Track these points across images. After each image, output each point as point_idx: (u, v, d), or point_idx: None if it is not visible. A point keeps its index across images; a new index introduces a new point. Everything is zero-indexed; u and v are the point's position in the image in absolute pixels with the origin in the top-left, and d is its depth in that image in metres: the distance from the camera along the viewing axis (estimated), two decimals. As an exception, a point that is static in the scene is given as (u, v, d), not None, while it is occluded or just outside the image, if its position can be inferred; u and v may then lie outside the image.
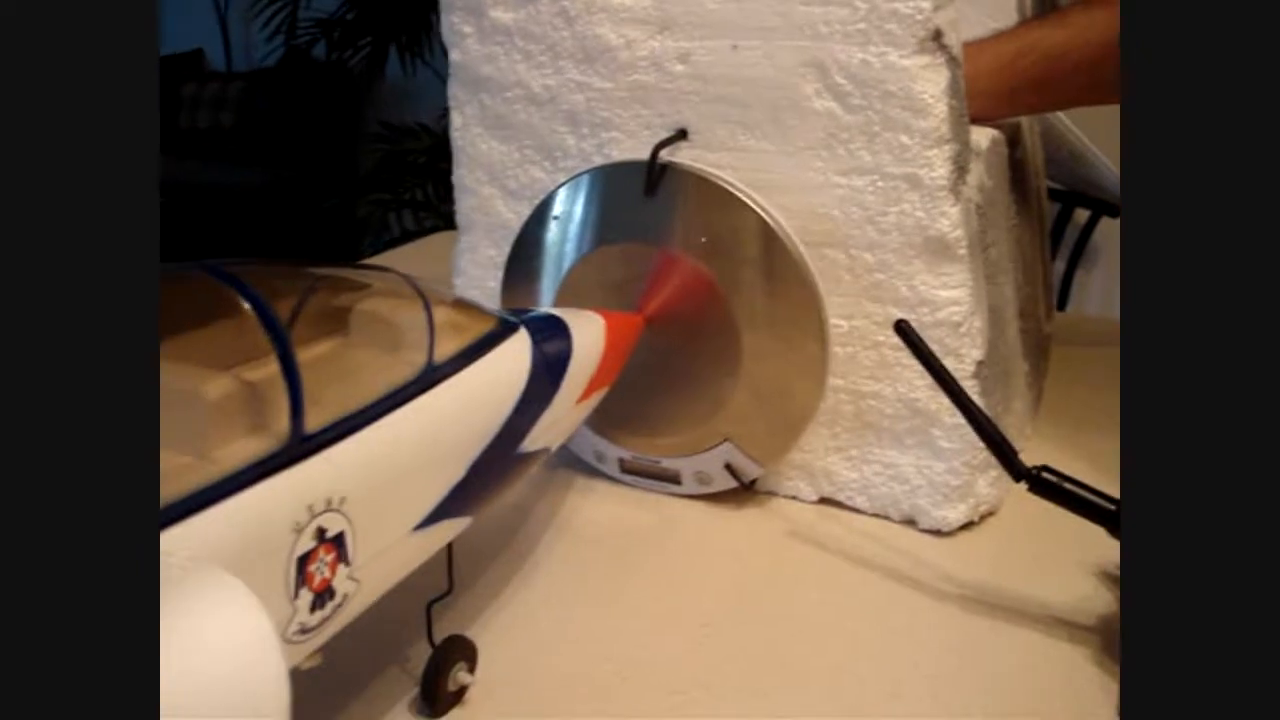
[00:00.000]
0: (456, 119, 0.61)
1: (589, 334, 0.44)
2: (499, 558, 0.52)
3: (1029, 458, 0.48)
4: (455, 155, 0.62)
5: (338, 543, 0.28)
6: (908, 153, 0.49)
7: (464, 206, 0.63)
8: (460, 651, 0.40)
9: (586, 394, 0.43)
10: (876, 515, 0.56)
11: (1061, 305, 1.96)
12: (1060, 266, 1.95)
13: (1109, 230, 2.07)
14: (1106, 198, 1.93)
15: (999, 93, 0.62)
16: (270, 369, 0.27)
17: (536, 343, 0.39)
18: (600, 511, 0.57)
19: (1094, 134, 1.96)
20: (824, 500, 0.58)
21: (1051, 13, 0.67)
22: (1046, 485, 0.45)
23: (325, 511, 0.28)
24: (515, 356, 0.37)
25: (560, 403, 0.40)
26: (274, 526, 0.26)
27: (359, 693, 0.41)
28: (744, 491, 0.57)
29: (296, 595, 0.27)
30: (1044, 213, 0.79)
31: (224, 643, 0.21)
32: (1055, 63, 0.62)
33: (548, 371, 0.39)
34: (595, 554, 0.53)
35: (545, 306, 0.57)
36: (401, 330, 0.33)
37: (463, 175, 0.62)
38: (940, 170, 0.50)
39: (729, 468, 0.56)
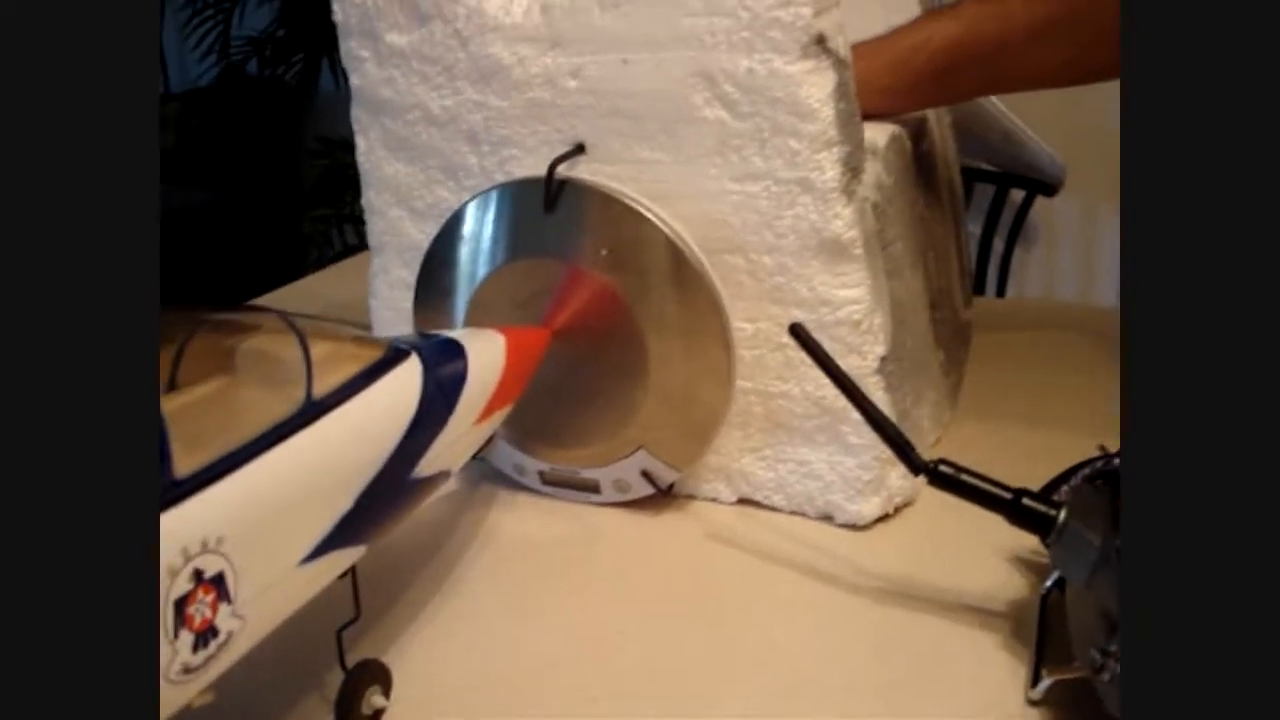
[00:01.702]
0: (361, 143, 0.62)
1: (487, 354, 0.45)
2: (418, 577, 0.52)
3: (949, 444, 0.49)
4: (363, 179, 0.63)
5: (217, 582, 0.29)
6: (798, 157, 0.50)
7: (375, 229, 0.64)
8: (373, 675, 0.41)
9: (486, 413, 0.44)
10: (794, 513, 0.57)
11: (1002, 288, 1.99)
12: (999, 246, 1.98)
13: (1044, 209, 2.10)
14: (1040, 177, 1.96)
15: (899, 88, 0.63)
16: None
17: (429, 367, 0.40)
18: (522, 524, 0.58)
19: (1027, 115, 1.99)
20: (742, 501, 0.58)
21: (946, 7, 0.68)
22: (944, 478, 0.46)
23: (202, 553, 0.28)
24: (403, 384, 0.38)
25: (456, 425, 0.40)
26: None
27: (276, 716, 0.42)
28: (663, 497, 0.58)
29: (176, 636, 0.27)
30: (958, 202, 0.80)
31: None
32: (951, 56, 0.63)
33: (441, 395, 0.40)
34: (516, 567, 0.54)
35: (457, 325, 0.57)
36: (281, 367, 0.34)
37: (371, 198, 0.63)
38: (831, 173, 0.51)
39: (645, 474, 0.57)
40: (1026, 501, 0.45)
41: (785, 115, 0.50)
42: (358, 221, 2.59)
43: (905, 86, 0.63)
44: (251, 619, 0.30)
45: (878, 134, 0.59)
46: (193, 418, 0.31)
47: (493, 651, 0.47)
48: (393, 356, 0.38)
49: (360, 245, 2.48)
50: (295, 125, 3.15)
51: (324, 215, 2.56)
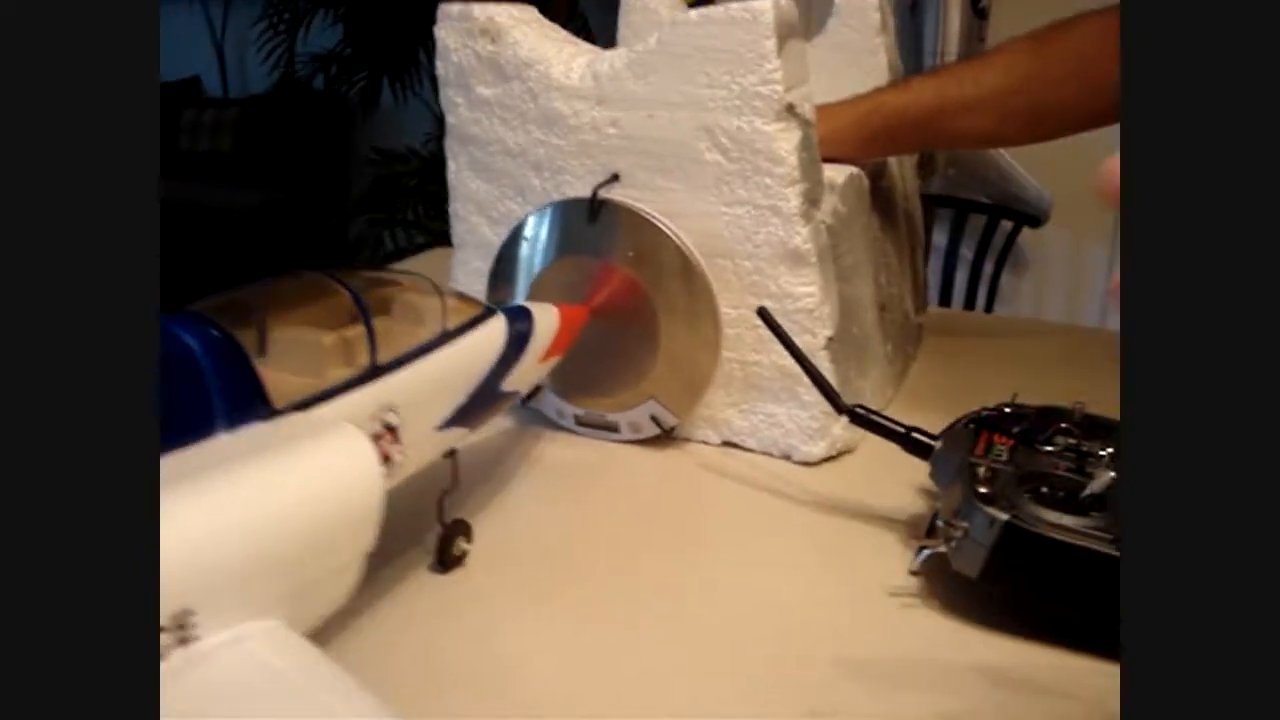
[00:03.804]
0: (452, 165, 0.82)
1: (546, 318, 0.65)
2: (491, 477, 0.72)
3: (891, 411, 0.68)
4: (451, 192, 0.83)
5: (394, 430, 0.49)
6: (770, 190, 0.71)
7: (458, 230, 0.84)
8: (460, 529, 0.61)
9: (545, 357, 0.64)
10: (763, 452, 0.77)
11: (990, 305, 2.18)
12: (989, 270, 2.17)
13: (1033, 239, 2.29)
14: (1028, 210, 2.16)
15: (856, 140, 0.84)
16: (358, 330, 0.48)
17: (510, 322, 0.60)
18: (562, 452, 0.78)
19: (1022, 154, 2.18)
20: (725, 443, 0.79)
21: (899, 80, 0.88)
22: (859, 417, 0.66)
23: (388, 411, 0.49)
24: (496, 329, 0.58)
25: (525, 361, 0.61)
26: (361, 415, 0.47)
27: (394, 559, 0.62)
28: (666, 437, 0.78)
29: (373, 456, 0.48)
30: (915, 228, 1.00)
31: (354, 456, 0.42)
32: (897, 119, 0.83)
33: (516, 340, 0.60)
34: (557, 478, 0.74)
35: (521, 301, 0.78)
36: (425, 311, 0.54)
37: (457, 208, 0.83)
38: (794, 202, 0.71)
39: (654, 419, 0.77)
40: (915, 434, 0.65)
41: (763, 161, 0.70)
42: (407, 226, 2.81)
43: (863, 139, 0.84)
44: (409, 458, 0.51)
45: (837, 174, 0.79)
46: (380, 335, 0.52)
47: (538, 524, 0.68)
48: (489, 311, 0.59)
49: (409, 248, 2.69)
50: (348, 135, 3.38)
51: (376, 219, 2.78)
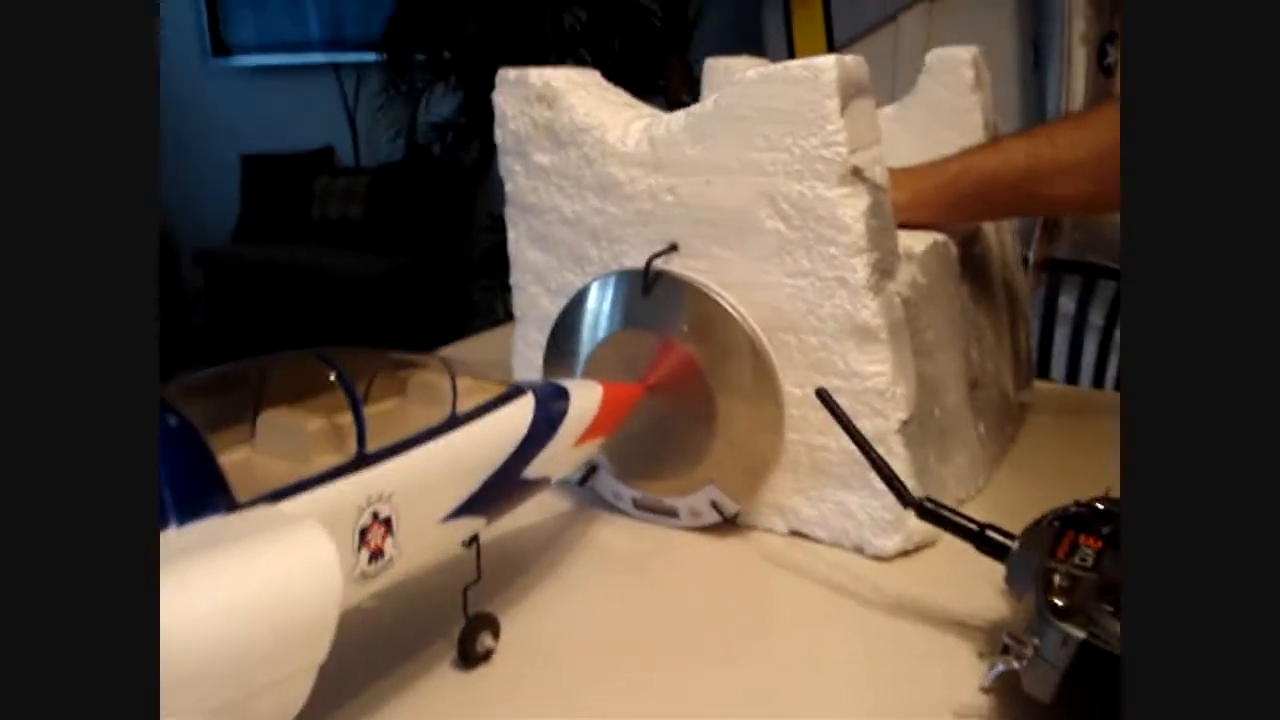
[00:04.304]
0: (511, 234, 0.79)
1: (586, 398, 0.61)
2: (534, 565, 0.68)
3: (981, 503, 0.61)
4: (511, 262, 0.80)
5: (387, 522, 0.45)
6: (836, 260, 0.65)
7: (519, 302, 0.81)
8: (486, 623, 0.57)
9: (582, 440, 0.60)
10: (833, 544, 0.71)
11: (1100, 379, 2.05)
12: (1119, 338, 2.05)
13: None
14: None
15: (943, 204, 0.78)
16: (348, 416, 0.44)
17: (539, 402, 0.56)
18: (617, 537, 0.73)
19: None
20: (793, 532, 0.73)
21: (989, 141, 0.82)
22: (928, 512, 0.60)
23: (379, 502, 0.45)
24: (520, 410, 0.54)
25: (556, 444, 0.56)
26: (345, 506, 0.43)
27: (414, 654, 0.58)
28: (728, 525, 0.73)
29: (359, 551, 0.44)
30: (1016, 298, 0.93)
31: (312, 557, 0.38)
32: (988, 182, 0.77)
33: (547, 422, 0.56)
34: (609, 567, 0.69)
35: (577, 378, 0.74)
36: (436, 394, 0.50)
37: (516, 278, 0.80)
38: (861, 273, 0.65)
39: (714, 504, 0.71)
40: (989, 533, 0.58)
41: (826, 229, 0.65)
42: (521, 292, 2.83)
43: (949, 204, 0.78)
44: (406, 551, 0.47)
45: (916, 242, 0.74)
46: (377, 421, 0.48)
47: (578, 620, 0.63)
48: (513, 391, 0.55)
49: (518, 315, 2.71)
50: (469, 202, 3.43)
51: (490, 285, 2.80)
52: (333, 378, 0.45)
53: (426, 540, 0.49)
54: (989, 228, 0.88)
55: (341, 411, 0.45)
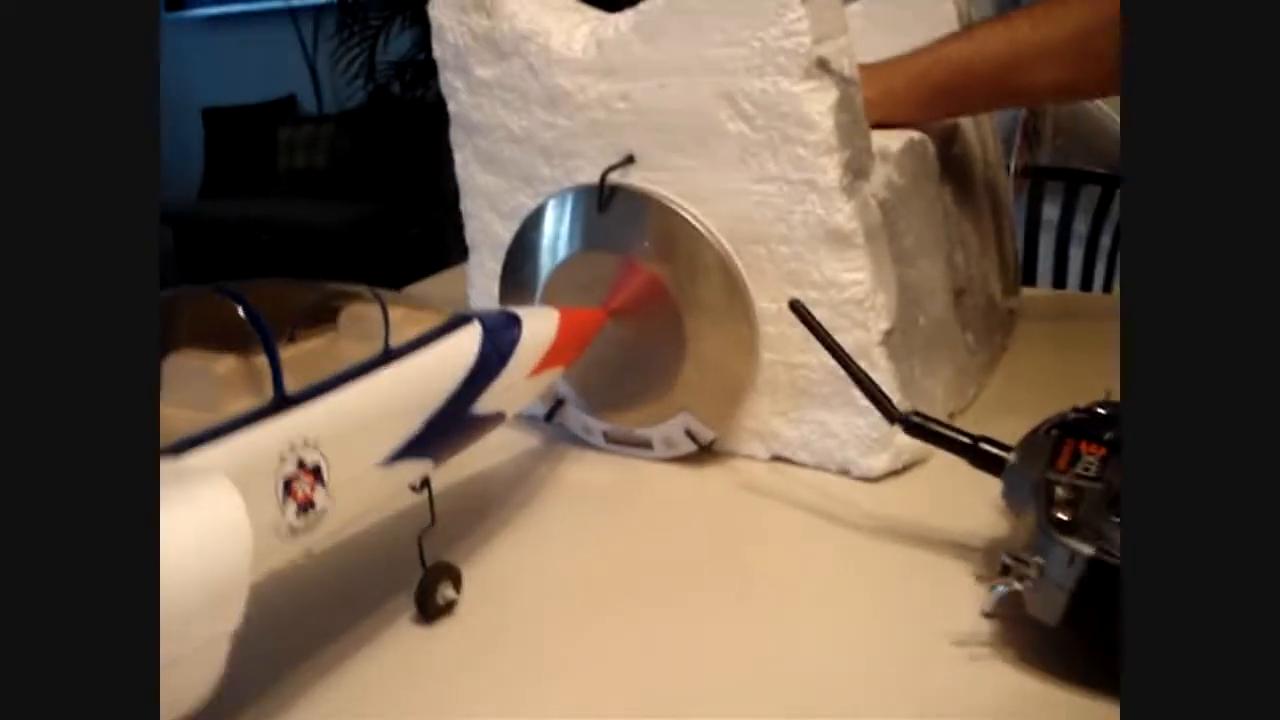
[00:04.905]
0: (458, 158, 0.74)
1: (541, 325, 0.56)
2: (499, 507, 0.63)
3: (973, 416, 0.56)
4: (460, 188, 0.75)
5: (315, 470, 0.41)
6: (804, 162, 0.60)
7: (471, 230, 0.76)
8: (446, 573, 0.52)
9: (538, 370, 0.55)
10: (817, 467, 0.67)
11: (1108, 284, 2.01)
12: (1105, 244, 2.01)
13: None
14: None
15: (916, 101, 0.72)
16: (264, 356, 0.40)
17: (488, 331, 0.51)
18: (587, 473, 0.69)
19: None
20: (774, 457, 0.68)
21: (963, 29, 0.76)
22: (916, 426, 0.55)
23: (305, 448, 0.40)
24: (464, 342, 0.49)
25: (509, 376, 0.52)
26: (264, 455, 0.38)
27: (371, 610, 0.54)
28: (705, 453, 0.68)
29: (284, 504, 0.39)
30: (1000, 200, 0.88)
31: (217, 516, 0.33)
32: (962, 73, 0.71)
33: (496, 353, 0.51)
34: (579, 505, 0.65)
35: (535, 306, 0.69)
36: (369, 327, 0.45)
37: (467, 204, 0.75)
38: (833, 174, 0.60)
39: (689, 433, 0.67)
40: (983, 446, 0.54)
41: (793, 127, 0.60)
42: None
43: (922, 100, 0.72)
44: (341, 500, 0.42)
45: (891, 140, 0.68)
46: (304, 360, 0.43)
47: (551, 567, 0.58)
48: (457, 321, 0.50)
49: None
50: (435, 140, 3.36)
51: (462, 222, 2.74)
52: (240, 313, 0.39)
53: (366, 487, 0.44)
54: (968, 125, 0.82)
55: (257, 351, 0.40)
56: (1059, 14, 0.70)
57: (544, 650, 0.51)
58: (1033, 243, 1.91)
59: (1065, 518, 0.46)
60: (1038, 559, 0.45)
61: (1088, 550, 0.44)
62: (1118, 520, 0.45)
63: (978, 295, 0.80)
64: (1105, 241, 2.01)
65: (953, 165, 0.78)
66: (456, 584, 0.53)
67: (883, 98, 0.69)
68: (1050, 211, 2.02)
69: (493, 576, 0.56)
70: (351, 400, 0.42)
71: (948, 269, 0.74)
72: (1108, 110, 1.97)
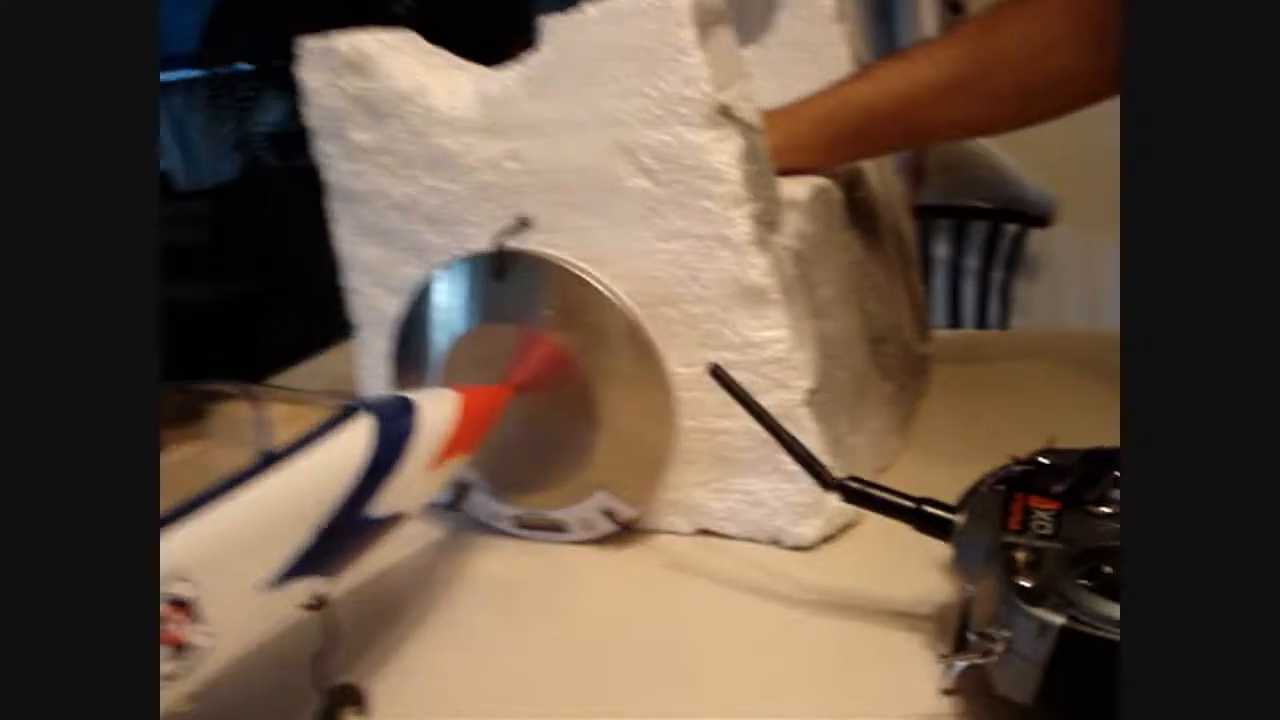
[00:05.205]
0: (338, 231, 0.69)
1: (438, 409, 0.51)
2: (404, 612, 0.57)
3: (900, 469, 0.52)
4: (341, 263, 0.69)
5: (187, 605, 0.35)
6: (712, 215, 0.56)
7: (356, 307, 0.70)
8: (347, 696, 0.46)
9: (439, 461, 0.50)
10: (747, 539, 0.63)
11: (1004, 320, 2.03)
12: (998, 278, 2.02)
13: (1042, 240, 2.14)
14: (1032, 211, 2.01)
15: (820, 146, 0.69)
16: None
17: (381, 421, 0.46)
18: (498, 564, 0.63)
19: (1019, 149, 2.05)
20: (699, 531, 0.64)
21: (863, 69, 0.74)
22: (853, 492, 0.52)
23: (173, 582, 0.34)
24: (354, 437, 0.44)
25: (406, 471, 0.46)
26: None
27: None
28: (626, 532, 0.63)
29: (152, 652, 0.33)
30: (906, 245, 0.86)
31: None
32: (866, 114, 0.69)
33: (390, 446, 0.46)
34: (493, 602, 0.59)
35: (431, 388, 0.63)
36: (243, 430, 0.40)
37: (350, 280, 0.69)
38: (743, 228, 0.56)
39: (606, 512, 0.62)
40: (927, 508, 0.50)
41: (698, 179, 0.56)
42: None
43: (827, 144, 0.69)
44: (224, 635, 0.36)
45: (799, 188, 0.65)
46: (169, 475, 0.37)
47: (466, 674, 0.53)
48: (344, 413, 0.44)
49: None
50: (315, 209, 3.27)
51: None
52: (86, 428, 0.34)
53: (249, 615, 0.38)
54: (870, 168, 0.80)
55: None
56: (956, 51, 0.68)
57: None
58: (925, 282, 1.92)
59: (1029, 585, 0.42)
60: (1004, 633, 0.41)
61: (1058, 620, 0.40)
62: (1086, 584, 0.41)
63: (894, 343, 0.77)
64: (997, 276, 2.03)
65: (859, 210, 0.75)
66: (361, 706, 0.47)
67: (786, 143, 0.66)
68: (940, 249, 2.04)
69: (404, 693, 0.50)
70: (227, 517, 0.36)
71: (864, 318, 0.71)
72: (985, 143, 2.00)
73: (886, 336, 0.75)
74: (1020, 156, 2.03)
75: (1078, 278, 2.24)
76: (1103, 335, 0.99)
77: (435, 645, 0.55)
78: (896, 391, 0.75)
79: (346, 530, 0.43)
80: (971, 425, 0.74)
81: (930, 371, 0.86)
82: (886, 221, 0.81)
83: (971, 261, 2.04)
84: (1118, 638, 0.39)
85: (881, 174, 0.83)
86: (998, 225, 2.01)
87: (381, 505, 0.45)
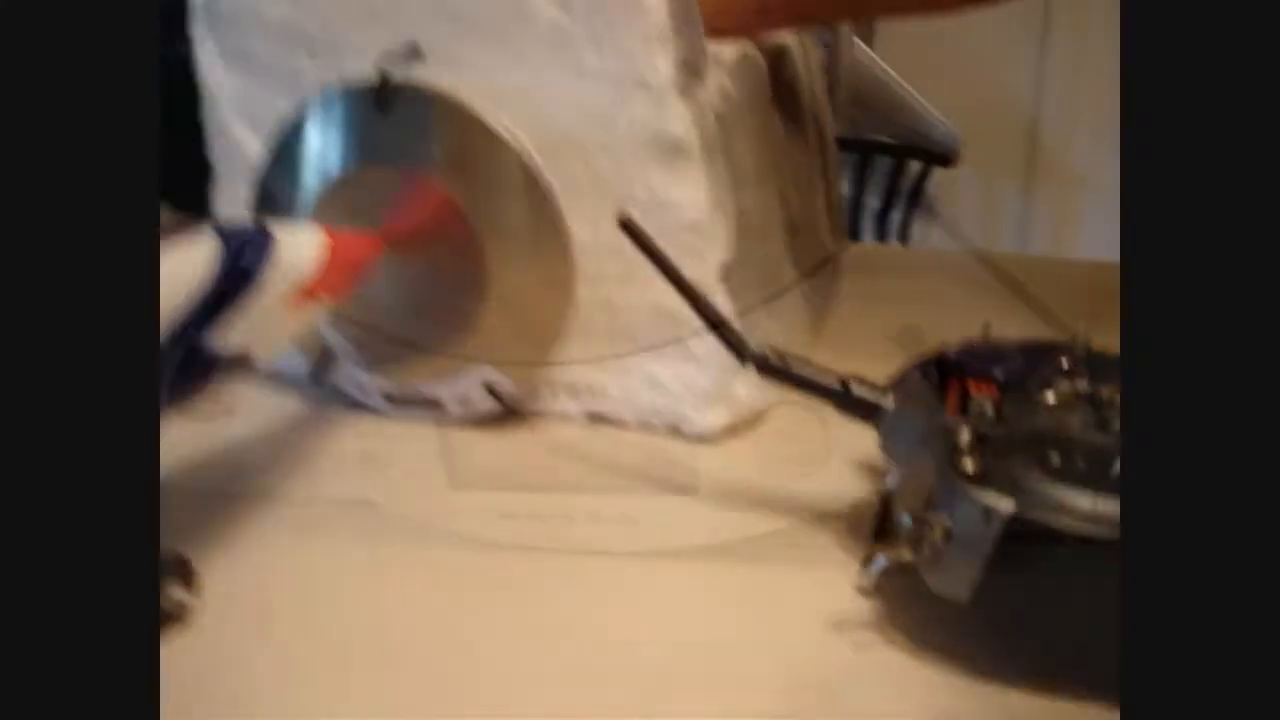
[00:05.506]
0: (200, 57, 0.60)
1: (301, 245, 0.43)
2: (248, 487, 0.50)
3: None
4: (203, 96, 0.61)
5: None
6: (633, 54, 0.50)
7: (216, 149, 0.61)
8: (174, 568, 0.40)
9: (299, 301, 0.43)
10: (643, 426, 0.57)
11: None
12: (896, 217, 2.00)
13: (943, 180, 2.12)
14: (934, 148, 1.99)
15: (746, 9, 0.63)
16: None
17: (229, 246, 0.38)
18: (365, 443, 0.56)
19: (926, 90, 2.02)
20: (591, 416, 0.58)
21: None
22: (773, 368, 0.46)
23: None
24: (195, 257, 0.37)
25: (259, 302, 0.39)
26: None
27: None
28: (509, 413, 0.57)
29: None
30: (827, 141, 0.80)
31: None
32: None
33: (239, 273, 0.38)
34: (356, 484, 0.52)
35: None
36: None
37: (210, 116, 0.61)
38: (665, 71, 0.50)
39: (489, 388, 0.55)
40: (854, 388, 0.45)
41: (619, 12, 0.49)
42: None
43: (756, 7, 0.63)
44: None
45: (725, 48, 0.59)
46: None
47: (316, 559, 0.46)
48: (183, 233, 0.37)
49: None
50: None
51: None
52: None
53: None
54: (796, 51, 0.74)
55: None
56: None
57: (305, 674, 0.39)
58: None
59: (973, 467, 0.37)
60: (943, 517, 0.36)
61: (1007, 506, 0.35)
62: (1036, 468, 0.36)
63: (808, 235, 0.72)
64: (895, 216, 2.01)
65: (782, 91, 0.69)
66: (188, 583, 0.40)
67: (714, 4, 0.59)
68: (840, 186, 2.00)
69: (240, 576, 0.43)
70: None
71: (781, 203, 0.65)
72: (892, 73, 1.97)
73: (801, 227, 0.70)
74: (927, 99, 2.01)
75: (974, 218, 2.24)
76: (1024, 259, 0.96)
77: (279, 528, 0.47)
78: (810, 287, 0.70)
79: (184, 360, 0.35)
80: (888, 325, 0.70)
81: (843, 274, 0.81)
82: (809, 110, 0.76)
83: (872, 199, 2.02)
84: (1072, 528, 0.35)
85: (807, 60, 0.77)
86: (900, 163, 1.98)
87: (226, 336, 0.38)
